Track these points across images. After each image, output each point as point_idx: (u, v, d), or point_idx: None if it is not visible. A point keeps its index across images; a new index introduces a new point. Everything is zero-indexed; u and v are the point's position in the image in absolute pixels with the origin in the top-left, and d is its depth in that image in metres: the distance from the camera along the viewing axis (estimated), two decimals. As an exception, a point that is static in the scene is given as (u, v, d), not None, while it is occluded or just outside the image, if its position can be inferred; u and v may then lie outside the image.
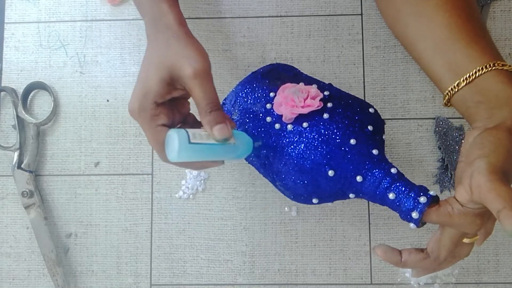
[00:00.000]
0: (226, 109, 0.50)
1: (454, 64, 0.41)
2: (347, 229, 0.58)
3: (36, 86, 0.61)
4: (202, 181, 0.59)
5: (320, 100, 0.44)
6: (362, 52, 0.60)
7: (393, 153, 0.59)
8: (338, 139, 0.43)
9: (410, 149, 0.59)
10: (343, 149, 0.43)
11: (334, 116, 0.44)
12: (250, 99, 0.48)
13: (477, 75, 0.39)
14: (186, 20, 0.62)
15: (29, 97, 0.61)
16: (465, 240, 0.40)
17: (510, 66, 0.39)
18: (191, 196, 0.59)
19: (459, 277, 0.57)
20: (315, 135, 0.43)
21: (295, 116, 0.44)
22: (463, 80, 0.40)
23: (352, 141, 0.43)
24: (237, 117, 0.48)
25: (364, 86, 0.60)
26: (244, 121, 0.48)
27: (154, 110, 0.40)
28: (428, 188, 0.41)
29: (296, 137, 0.44)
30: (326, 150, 0.43)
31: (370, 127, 0.44)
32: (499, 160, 0.34)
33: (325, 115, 0.44)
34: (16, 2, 0.63)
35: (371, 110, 0.46)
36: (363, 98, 0.59)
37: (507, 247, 0.57)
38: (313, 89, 0.45)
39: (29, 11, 0.63)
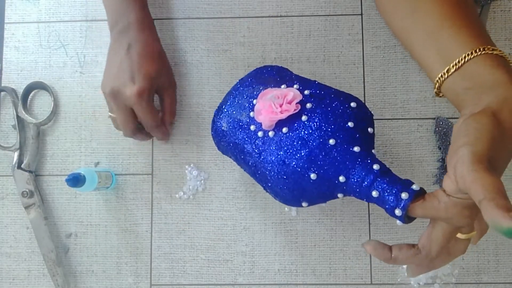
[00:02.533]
0: (215, 121, 0.50)
1: (445, 51, 0.40)
2: (347, 229, 0.58)
3: (36, 86, 0.61)
4: (202, 181, 0.59)
5: (299, 102, 0.44)
6: (362, 52, 0.60)
7: (393, 153, 0.59)
8: (317, 141, 0.42)
9: (410, 149, 0.59)
10: (323, 150, 0.42)
11: (313, 118, 0.43)
12: (236, 109, 0.48)
13: (465, 59, 0.38)
14: (186, 20, 0.62)
15: (29, 97, 0.61)
16: (459, 236, 0.39)
17: (500, 50, 0.38)
18: (191, 196, 0.59)
19: (459, 277, 0.57)
20: (295, 140, 0.43)
21: (274, 123, 0.44)
22: (453, 66, 0.39)
23: (331, 141, 0.42)
24: (226, 128, 0.48)
25: (364, 86, 0.60)
26: (233, 132, 0.48)
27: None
28: (413, 182, 0.40)
29: (277, 144, 0.44)
30: (306, 154, 0.42)
31: (350, 124, 0.43)
32: (484, 148, 0.33)
33: (303, 118, 0.43)
34: (16, 2, 0.63)
35: (353, 104, 0.45)
36: (363, 98, 0.60)
37: (507, 247, 0.57)
38: (291, 91, 0.44)
39: (29, 11, 0.63)
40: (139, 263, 0.59)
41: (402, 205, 0.38)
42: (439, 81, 0.41)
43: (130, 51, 0.52)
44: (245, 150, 0.46)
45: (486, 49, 0.38)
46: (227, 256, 0.58)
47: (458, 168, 0.33)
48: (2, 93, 0.61)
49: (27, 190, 0.58)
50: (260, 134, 0.45)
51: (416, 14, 0.43)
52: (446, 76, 0.40)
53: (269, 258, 0.58)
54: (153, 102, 0.54)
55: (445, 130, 0.58)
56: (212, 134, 0.51)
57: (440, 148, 0.58)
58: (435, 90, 0.42)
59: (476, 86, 0.38)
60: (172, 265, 0.58)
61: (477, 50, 0.38)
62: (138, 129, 0.55)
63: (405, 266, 0.57)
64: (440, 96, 0.43)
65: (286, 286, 0.58)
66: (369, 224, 0.58)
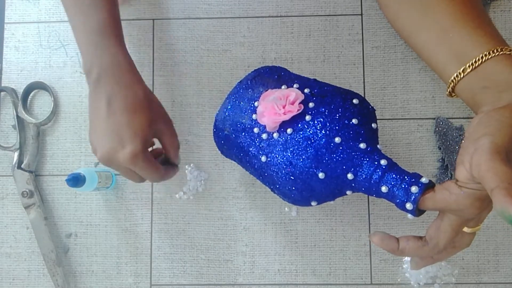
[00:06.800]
0: (217, 125, 0.50)
1: (459, 51, 0.40)
2: (347, 229, 0.58)
3: (36, 86, 0.61)
4: (202, 181, 0.59)
5: (301, 102, 0.44)
6: (362, 52, 0.60)
7: (393, 153, 0.59)
8: (322, 140, 0.42)
9: (410, 149, 0.59)
10: (329, 149, 0.42)
11: (316, 117, 0.43)
12: (237, 112, 0.48)
13: (483, 60, 0.38)
14: (186, 20, 0.62)
15: (29, 97, 0.61)
16: (466, 229, 0.39)
17: None
18: (191, 196, 0.59)
19: (459, 277, 0.57)
20: (300, 140, 0.43)
21: (278, 124, 0.44)
22: (469, 66, 0.39)
23: (337, 140, 0.42)
24: (229, 132, 0.48)
25: (364, 86, 0.60)
26: (236, 135, 0.47)
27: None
28: (422, 175, 0.40)
29: (282, 145, 0.44)
30: (313, 153, 0.42)
31: (354, 120, 0.43)
32: (504, 140, 0.34)
33: (307, 117, 0.43)
34: (16, 2, 0.63)
35: (355, 101, 0.45)
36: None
37: (507, 247, 0.57)
38: (293, 92, 0.45)
39: (29, 11, 0.63)
40: (139, 263, 0.59)
41: (412, 199, 0.38)
42: (454, 81, 0.40)
43: (111, 107, 0.45)
44: (250, 153, 0.46)
45: (503, 49, 0.38)
46: (227, 256, 0.58)
47: (475, 156, 0.34)
48: (2, 93, 0.61)
49: (27, 190, 0.58)
50: (264, 136, 0.45)
51: (426, 12, 0.43)
52: (461, 76, 0.40)
53: (269, 258, 0.58)
54: (150, 155, 0.47)
55: (445, 130, 0.58)
56: (214, 139, 0.51)
57: (440, 148, 0.58)
58: (449, 90, 0.42)
59: (495, 85, 0.38)
60: (172, 265, 0.58)
61: (495, 51, 0.38)
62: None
63: (405, 266, 0.57)
64: (452, 97, 0.43)
65: (286, 286, 0.58)
66: (369, 224, 0.58)
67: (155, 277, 0.58)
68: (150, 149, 0.51)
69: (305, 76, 0.50)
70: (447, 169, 0.57)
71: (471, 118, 0.58)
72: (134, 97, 0.46)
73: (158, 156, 0.52)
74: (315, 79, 0.48)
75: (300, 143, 0.43)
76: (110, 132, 0.45)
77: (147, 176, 0.48)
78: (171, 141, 0.51)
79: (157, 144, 0.51)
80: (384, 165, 0.41)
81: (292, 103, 0.44)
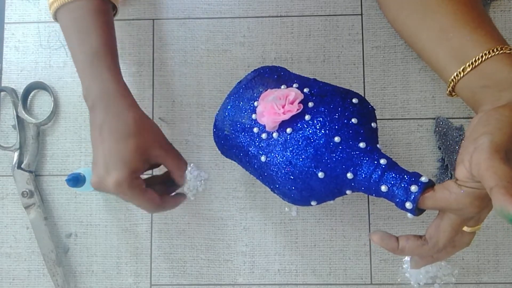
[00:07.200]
0: (217, 125, 0.50)
1: (460, 51, 0.40)
2: (347, 229, 0.58)
3: (36, 86, 0.61)
4: (202, 181, 0.59)
5: (301, 102, 0.44)
6: (362, 52, 0.60)
7: (393, 153, 0.59)
8: (322, 139, 0.42)
9: (410, 149, 0.59)
10: (329, 148, 0.42)
11: (316, 116, 0.43)
12: (237, 112, 0.48)
13: (483, 59, 0.39)
14: (186, 20, 0.62)
15: (29, 97, 0.61)
16: (466, 229, 0.39)
17: None
18: (191, 196, 0.59)
19: (459, 277, 0.57)
20: (300, 139, 0.43)
21: (277, 124, 0.44)
22: (469, 65, 0.39)
23: (337, 139, 0.42)
24: (229, 132, 0.48)
25: (364, 86, 0.60)
26: (236, 135, 0.47)
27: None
28: (421, 174, 0.40)
29: (282, 145, 0.44)
30: (312, 153, 0.42)
31: (354, 120, 0.43)
32: (503, 139, 0.34)
33: (307, 117, 0.43)
34: (16, 2, 0.63)
35: (354, 100, 0.45)
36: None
37: (507, 247, 0.57)
38: (292, 91, 0.45)
39: (29, 11, 0.63)
40: (139, 263, 0.59)
41: (412, 198, 0.38)
42: (454, 80, 0.41)
43: (102, 135, 0.45)
44: (250, 153, 0.46)
45: (504, 48, 0.38)
46: (227, 256, 0.58)
47: (475, 155, 0.34)
48: (2, 93, 0.61)
49: (27, 190, 0.58)
50: (264, 136, 0.45)
51: (426, 12, 0.43)
52: (461, 75, 0.40)
53: (269, 258, 0.58)
54: (139, 183, 0.46)
55: (445, 130, 0.58)
56: (214, 139, 0.51)
57: (440, 148, 0.58)
58: (449, 89, 0.42)
59: (495, 84, 0.38)
60: (172, 265, 0.58)
61: (495, 50, 0.38)
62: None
63: (405, 266, 0.57)
64: (453, 96, 0.43)
65: (286, 286, 0.58)
66: (369, 224, 0.58)
67: (155, 277, 0.58)
68: (145, 176, 0.50)
69: (305, 76, 0.50)
70: (447, 169, 0.57)
71: (471, 118, 0.58)
72: (124, 124, 0.46)
73: (158, 184, 0.51)
74: (314, 79, 0.48)
75: (300, 143, 0.43)
76: (101, 159, 0.46)
77: (140, 206, 0.47)
78: (173, 164, 0.49)
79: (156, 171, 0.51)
80: (384, 164, 0.41)
81: (292, 103, 0.44)
